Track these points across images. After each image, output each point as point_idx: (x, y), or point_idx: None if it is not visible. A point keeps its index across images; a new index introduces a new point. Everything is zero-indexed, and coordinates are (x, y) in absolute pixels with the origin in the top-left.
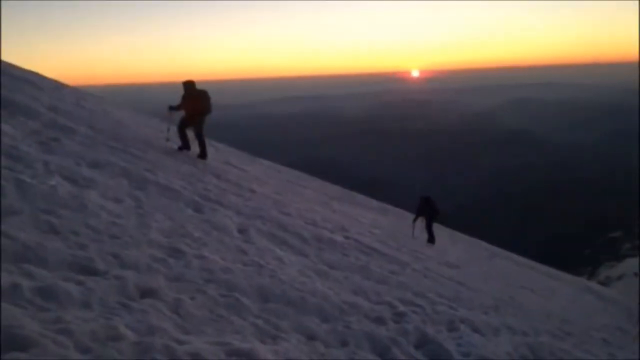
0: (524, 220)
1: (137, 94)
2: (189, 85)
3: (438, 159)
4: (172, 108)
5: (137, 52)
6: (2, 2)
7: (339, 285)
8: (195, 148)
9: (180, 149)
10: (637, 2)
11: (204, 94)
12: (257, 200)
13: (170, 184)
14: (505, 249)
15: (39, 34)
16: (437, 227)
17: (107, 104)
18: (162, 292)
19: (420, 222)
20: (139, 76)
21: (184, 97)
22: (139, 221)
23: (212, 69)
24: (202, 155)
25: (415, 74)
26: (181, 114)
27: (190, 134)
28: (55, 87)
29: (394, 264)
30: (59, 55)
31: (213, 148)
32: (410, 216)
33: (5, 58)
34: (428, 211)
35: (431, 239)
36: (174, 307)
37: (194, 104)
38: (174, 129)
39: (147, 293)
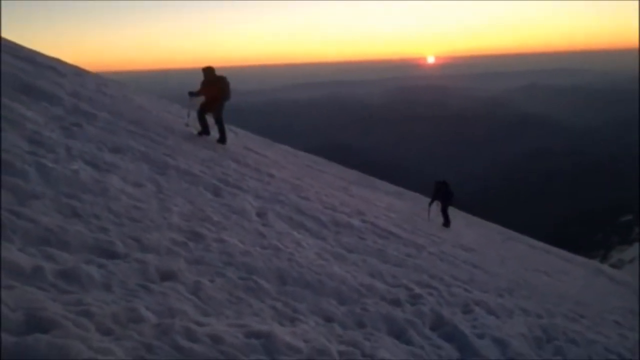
0: (537, 203)
1: (158, 80)
2: (208, 71)
3: (453, 143)
4: (191, 94)
5: (157, 38)
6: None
7: (356, 268)
8: (214, 133)
9: (199, 134)
10: None
11: (223, 80)
12: (276, 185)
13: (190, 168)
14: (519, 232)
15: (60, 20)
16: (452, 211)
17: (127, 89)
18: (182, 275)
19: (436, 206)
20: (160, 62)
21: (204, 83)
22: (159, 205)
23: (231, 55)
24: (222, 140)
25: (430, 60)
26: (201, 99)
27: (210, 119)
28: (76, 73)
29: (410, 247)
30: (81, 42)
31: (232, 133)
32: (426, 200)
33: (27, 44)
34: (443, 195)
35: (446, 223)
36: (194, 289)
37: (213, 89)
38: (193, 115)
39: (167, 276)
